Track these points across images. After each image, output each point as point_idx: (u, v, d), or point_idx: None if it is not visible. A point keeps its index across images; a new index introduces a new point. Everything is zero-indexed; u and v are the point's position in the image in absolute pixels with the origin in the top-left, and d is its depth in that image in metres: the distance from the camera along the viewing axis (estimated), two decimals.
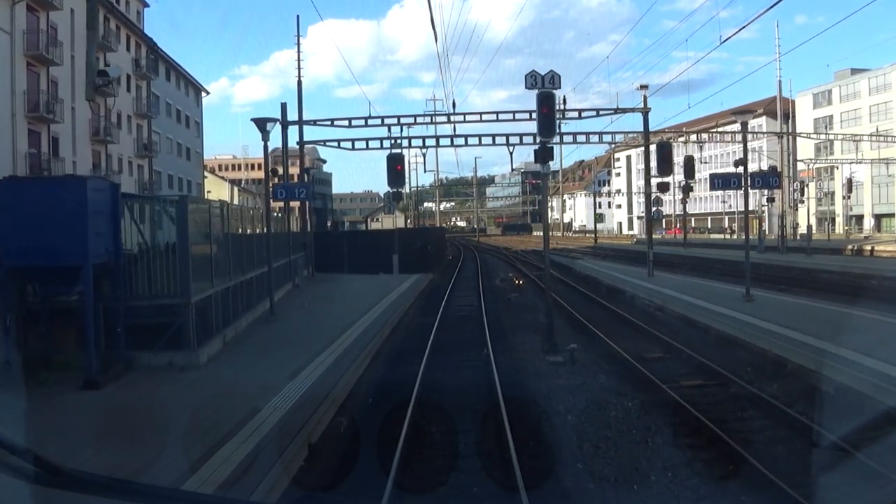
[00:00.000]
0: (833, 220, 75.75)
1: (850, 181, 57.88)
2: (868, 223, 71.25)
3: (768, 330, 13.42)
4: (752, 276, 29.78)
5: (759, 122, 75.99)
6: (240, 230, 16.55)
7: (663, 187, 24.85)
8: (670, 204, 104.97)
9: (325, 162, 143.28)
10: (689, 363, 12.88)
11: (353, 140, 28.78)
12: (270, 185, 16.54)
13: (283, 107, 25.33)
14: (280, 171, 30.88)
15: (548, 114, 14.14)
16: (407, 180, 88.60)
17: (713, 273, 29.55)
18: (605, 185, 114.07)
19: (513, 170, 37.50)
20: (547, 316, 14.92)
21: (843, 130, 73.46)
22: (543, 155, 14.26)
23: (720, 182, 17.99)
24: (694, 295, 19.48)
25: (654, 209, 25.57)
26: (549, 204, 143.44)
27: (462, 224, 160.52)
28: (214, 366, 11.06)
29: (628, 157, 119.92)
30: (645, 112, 24.69)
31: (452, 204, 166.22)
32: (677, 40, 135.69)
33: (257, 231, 21.00)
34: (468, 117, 25.53)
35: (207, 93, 61.94)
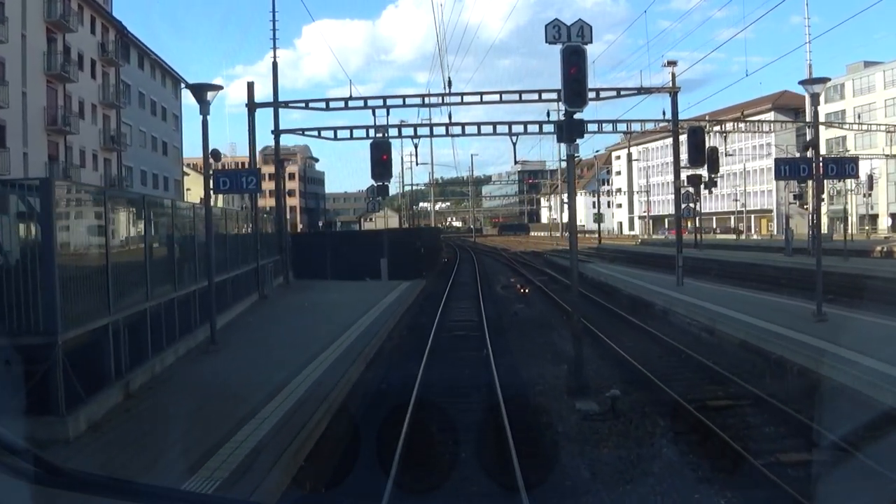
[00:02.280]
0: (846, 219, 72.40)
1: (870, 178, 54.34)
2: (885, 222, 67.89)
3: (876, 370, 9.76)
4: (790, 283, 26.29)
5: (767, 118, 72.64)
6: (173, 232, 12.82)
7: (695, 180, 21.18)
8: (672, 203, 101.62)
9: (317, 161, 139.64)
10: (778, 418, 9.22)
11: (335, 129, 25.10)
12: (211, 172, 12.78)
13: (250, 87, 21.60)
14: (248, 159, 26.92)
15: (577, 75, 10.48)
16: (401, 179, 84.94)
17: (749, 280, 25.94)
18: (605, 183, 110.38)
19: (516, 162, 34.21)
20: (575, 345, 11.23)
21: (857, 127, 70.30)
22: (571, 129, 10.59)
23: (787, 169, 14.38)
24: (744, 311, 15.83)
25: (683, 206, 21.86)
26: (547, 204, 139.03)
27: (458, 224, 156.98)
28: (91, 441, 7.35)
29: (629, 155, 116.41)
30: (674, 92, 21.05)
31: (448, 204, 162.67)
32: (673, 40, 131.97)
33: (225, 232, 17.32)
34: (466, 98, 21.79)
35: (187, 84, 58.05)
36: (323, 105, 21.92)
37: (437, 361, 13.08)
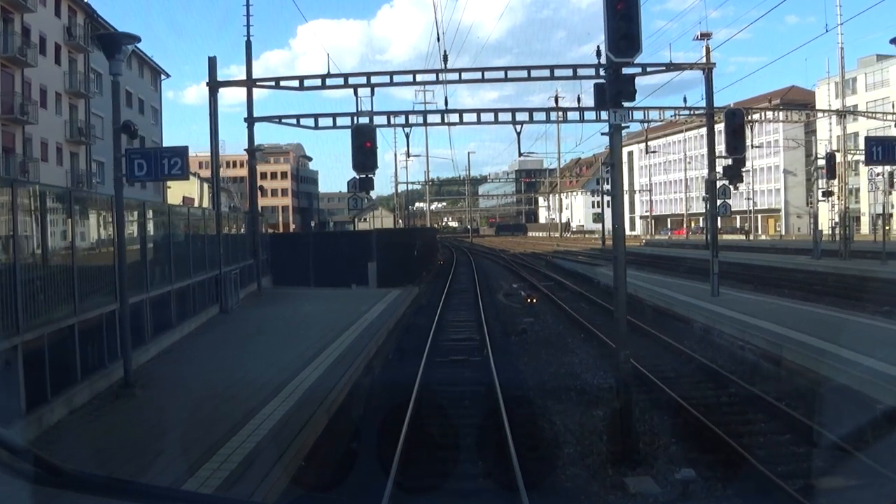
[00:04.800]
0: (858, 219, 69.63)
1: (892, 175, 51.20)
2: None
3: None
4: (832, 291, 23.17)
5: (775, 114, 69.76)
6: (75, 234, 9.65)
7: (732, 171, 17.97)
8: (675, 202, 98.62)
9: (311, 159, 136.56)
10: None
11: (315, 116, 21.97)
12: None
13: (212, 62, 18.41)
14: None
15: (625, 12, 7.37)
16: (394, 177, 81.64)
17: (785, 287, 22.87)
18: (607, 182, 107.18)
19: (520, 154, 31.51)
20: (620, 396, 8.07)
21: (868, 122, 67.86)
22: (618, 88, 7.45)
23: (880, 151, 11.29)
24: (809, 331, 12.65)
25: (720, 202, 18.71)
26: (546, 203, 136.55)
27: (454, 224, 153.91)
28: None
29: (630, 153, 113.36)
30: (708, 68, 17.95)
31: (444, 204, 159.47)
32: (667, 40, 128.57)
33: (169, 234, 14.19)
34: (465, 75, 18.57)
35: (168, 75, 54.87)
36: (296, 83, 18.75)
37: (429, 403, 9.95)
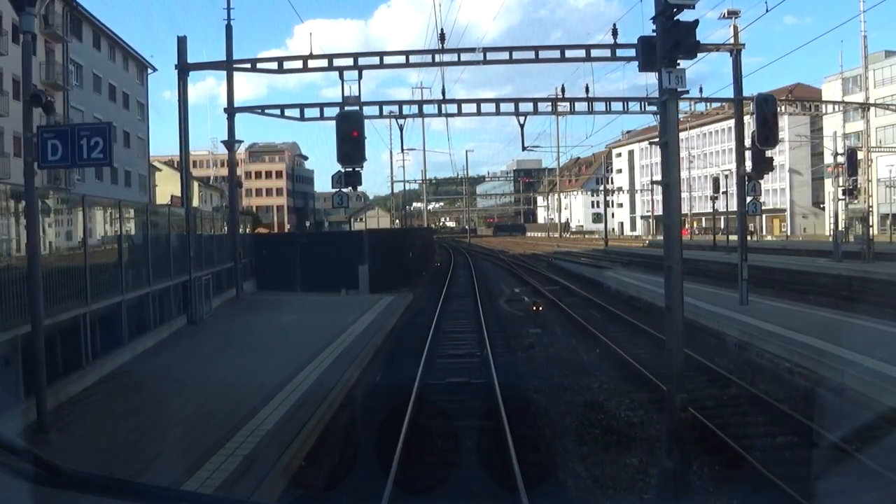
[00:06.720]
0: (866, 218, 67.86)
1: None
2: None
3: None
4: (864, 298, 21.27)
5: (793, 108, 67.95)
6: None
7: (762, 164, 16.03)
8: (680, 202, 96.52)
9: (307, 158, 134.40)
10: None
11: (301, 106, 20.09)
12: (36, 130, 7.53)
13: (182, 42, 16.40)
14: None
15: None
16: (390, 176, 79.68)
17: (812, 294, 20.96)
18: (608, 182, 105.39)
19: (524, 148, 29.66)
20: (674, 452, 6.15)
21: (877, 119, 66.29)
22: (675, 42, 5.54)
23: None
24: (867, 352, 10.74)
25: (749, 199, 16.78)
26: (544, 203, 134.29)
27: (451, 224, 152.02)
28: None
29: (630, 153, 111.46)
30: (736, 50, 16.03)
31: (442, 204, 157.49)
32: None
33: (120, 233, 12.23)
34: (464, 56, 16.47)
35: (154, 69, 52.71)
36: (275, 66, 16.81)
37: (421, 452, 8.03)
